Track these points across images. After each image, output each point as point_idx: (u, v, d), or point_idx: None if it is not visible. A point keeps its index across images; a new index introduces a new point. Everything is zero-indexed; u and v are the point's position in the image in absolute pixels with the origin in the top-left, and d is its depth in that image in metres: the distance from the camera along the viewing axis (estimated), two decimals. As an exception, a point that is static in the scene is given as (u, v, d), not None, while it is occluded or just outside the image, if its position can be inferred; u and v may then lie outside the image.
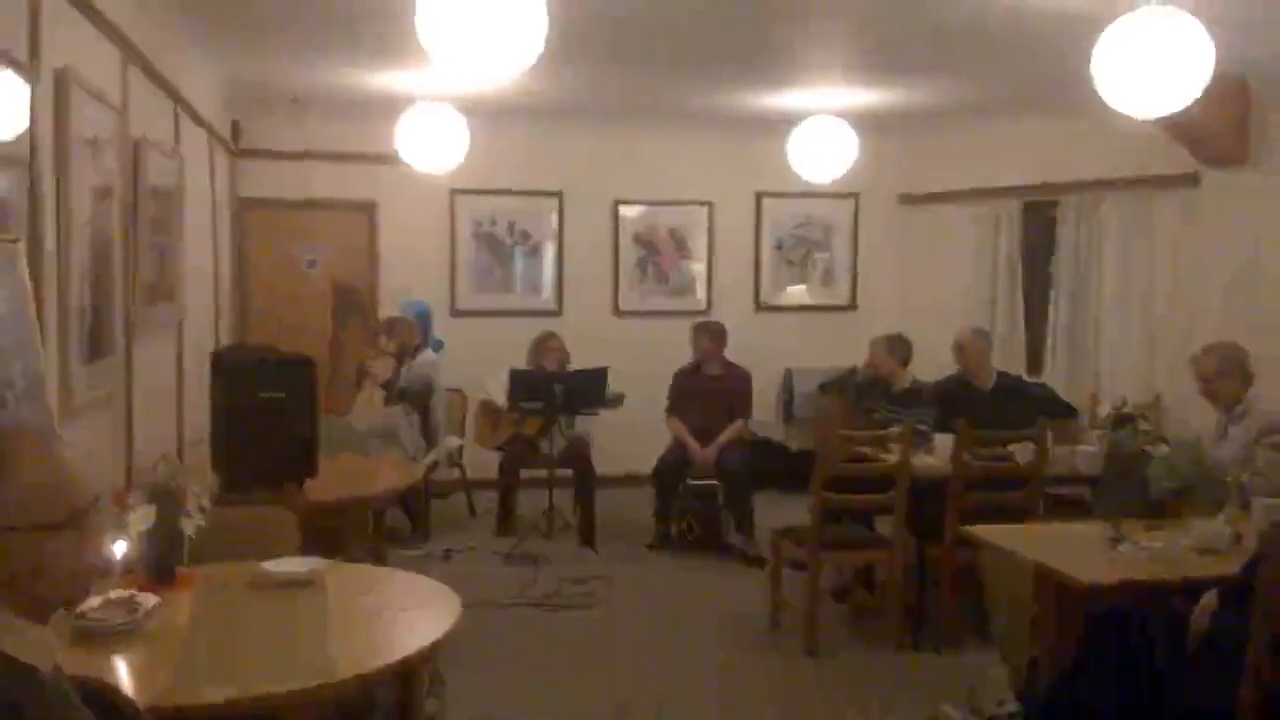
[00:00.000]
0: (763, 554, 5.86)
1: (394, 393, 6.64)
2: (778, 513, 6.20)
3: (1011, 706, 3.86)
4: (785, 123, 7.04)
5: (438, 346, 7.08)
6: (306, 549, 3.34)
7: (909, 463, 4.85)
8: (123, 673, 2.39)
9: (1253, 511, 3.77)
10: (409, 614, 2.86)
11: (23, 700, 1.51)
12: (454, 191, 8.07)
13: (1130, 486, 4.04)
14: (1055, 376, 7.38)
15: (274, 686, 2.30)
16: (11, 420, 2.56)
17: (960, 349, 5.72)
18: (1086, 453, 5.21)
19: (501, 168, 7.95)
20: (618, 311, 8.57)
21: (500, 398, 6.82)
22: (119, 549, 2.75)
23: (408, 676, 2.78)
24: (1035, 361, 7.75)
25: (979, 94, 6.87)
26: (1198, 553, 3.62)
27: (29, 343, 2.99)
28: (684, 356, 7.00)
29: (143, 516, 2.89)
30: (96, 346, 3.81)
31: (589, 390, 6.66)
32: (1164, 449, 4.43)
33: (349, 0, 4.77)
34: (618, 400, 6.83)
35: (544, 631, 5.23)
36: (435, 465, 6.77)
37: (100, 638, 2.51)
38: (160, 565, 2.97)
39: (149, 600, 2.69)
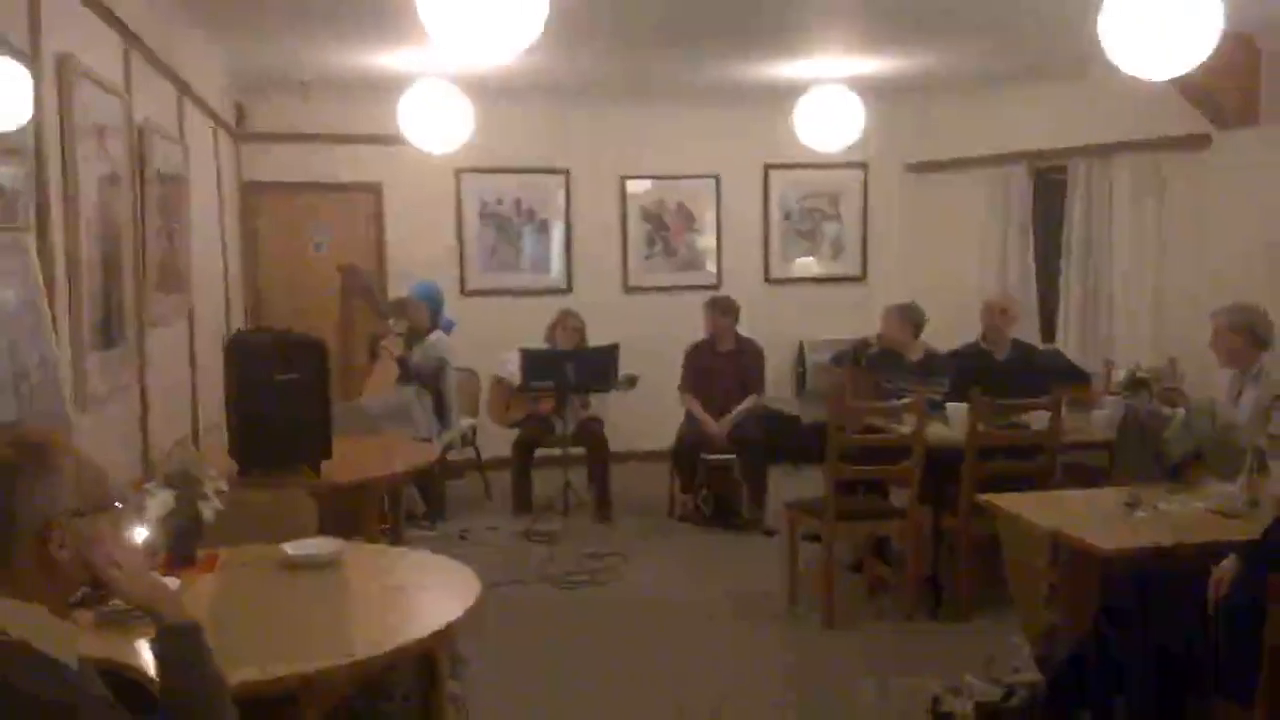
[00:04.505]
0: (775, 527, 5.86)
1: (406, 373, 6.65)
2: (792, 485, 6.21)
3: (1030, 675, 3.85)
4: (791, 93, 6.99)
5: (449, 327, 7.08)
6: (324, 530, 3.35)
7: (923, 433, 4.84)
8: (147, 657, 2.39)
9: (1270, 474, 3.75)
10: (428, 594, 2.87)
11: (61, 698, 1.54)
12: (459, 171, 8.03)
13: (1147, 451, 4.01)
14: (1068, 343, 7.36)
15: (295, 668, 2.31)
16: (42, 427, 2.62)
17: (999, 313, 5.75)
18: (1102, 418, 5.19)
19: (507, 146, 7.91)
20: (627, 288, 8.55)
21: (517, 376, 6.83)
22: (139, 535, 2.75)
23: (428, 656, 2.79)
24: (1048, 328, 7.72)
25: (986, 60, 6.81)
26: (1216, 517, 3.61)
27: (42, 333, 3.00)
28: (695, 331, 6.98)
29: (161, 502, 2.90)
30: (108, 335, 3.82)
31: (600, 368, 6.65)
32: (1180, 412, 4.40)
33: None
34: (630, 382, 6.82)
35: (562, 609, 5.25)
36: (450, 446, 6.78)
37: (124, 623, 2.52)
38: (180, 549, 2.98)
39: (170, 584, 2.69)
